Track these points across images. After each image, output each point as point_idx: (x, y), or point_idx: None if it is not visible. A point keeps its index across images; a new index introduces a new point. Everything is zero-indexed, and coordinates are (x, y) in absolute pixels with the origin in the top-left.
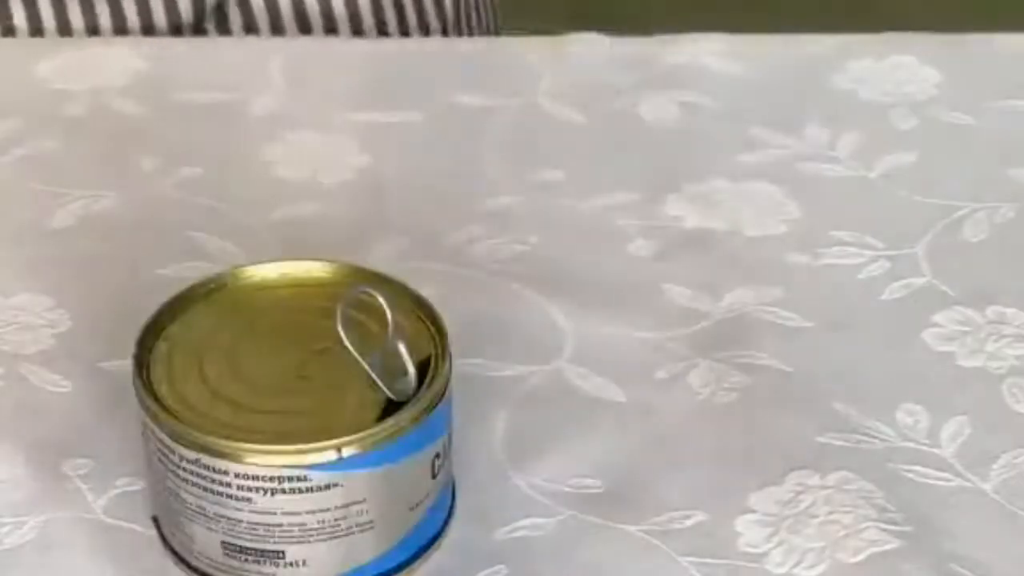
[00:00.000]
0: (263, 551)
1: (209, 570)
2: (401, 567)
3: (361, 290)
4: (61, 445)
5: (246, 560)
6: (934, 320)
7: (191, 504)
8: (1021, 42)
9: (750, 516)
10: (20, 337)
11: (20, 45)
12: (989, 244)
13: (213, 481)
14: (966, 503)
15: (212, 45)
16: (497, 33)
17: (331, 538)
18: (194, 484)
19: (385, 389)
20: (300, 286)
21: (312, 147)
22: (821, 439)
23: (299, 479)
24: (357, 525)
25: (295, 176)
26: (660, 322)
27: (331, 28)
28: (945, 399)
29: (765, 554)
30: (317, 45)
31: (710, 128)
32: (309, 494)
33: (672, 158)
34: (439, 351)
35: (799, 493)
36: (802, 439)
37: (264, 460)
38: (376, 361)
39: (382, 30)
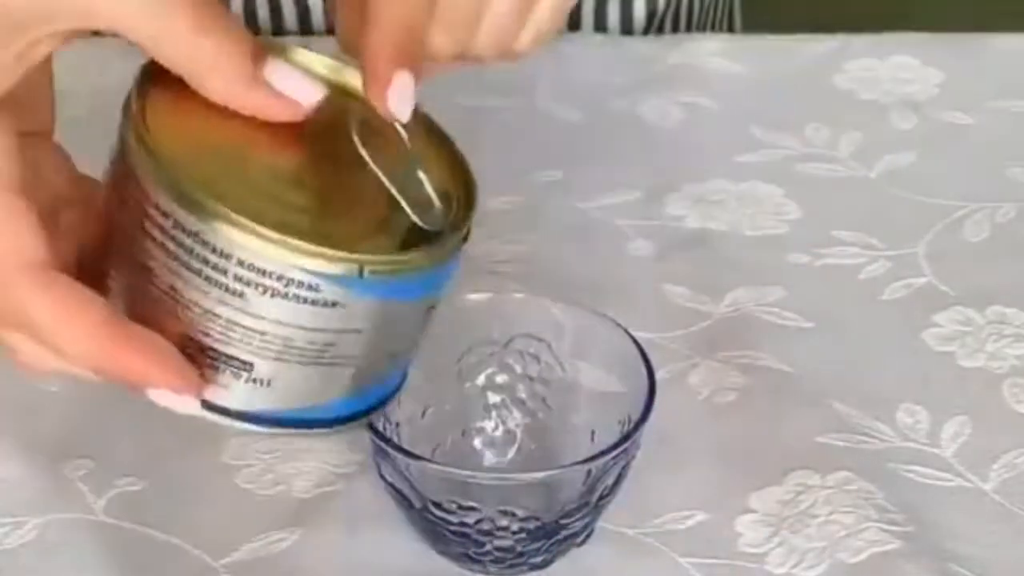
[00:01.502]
0: (230, 357)
1: None
2: (352, 418)
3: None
4: (61, 445)
5: (206, 362)
6: (934, 320)
7: (160, 282)
8: (1021, 42)
9: (750, 516)
10: None
11: None
12: (989, 244)
13: (206, 262)
14: (966, 503)
15: None
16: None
17: (310, 364)
18: (177, 259)
19: (412, 214)
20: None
21: None
22: (821, 439)
23: (309, 287)
24: (341, 358)
25: None
26: (660, 322)
27: None
28: (945, 399)
29: (765, 554)
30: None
31: (710, 128)
32: (311, 307)
33: (672, 158)
34: (463, 192)
35: (799, 493)
36: (802, 439)
37: (279, 254)
38: (398, 183)
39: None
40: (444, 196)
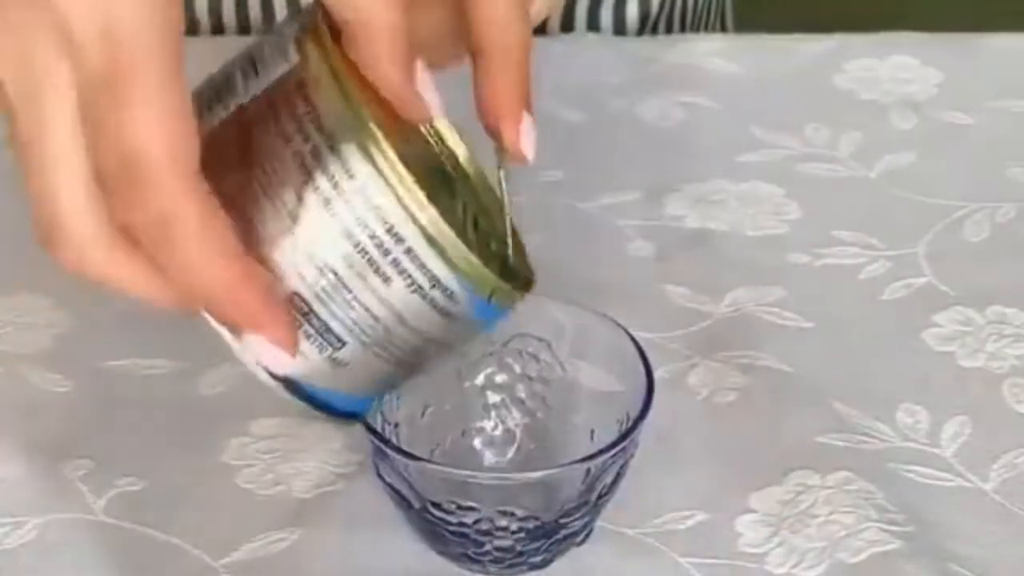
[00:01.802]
0: (328, 331)
1: None
2: (355, 416)
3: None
4: (61, 445)
5: (301, 322)
6: (934, 320)
7: (301, 231)
8: (1020, 42)
9: (750, 516)
10: (20, 337)
11: None
12: (989, 244)
13: (372, 237)
14: (966, 503)
15: (211, 44)
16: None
17: (385, 360)
18: (335, 217)
19: (511, 253)
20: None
21: None
22: (821, 439)
23: (450, 296)
24: (405, 363)
25: None
26: (660, 322)
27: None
28: (945, 399)
29: (765, 554)
30: None
31: (710, 128)
32: (436, 313)
33: (672, 158)
34: (518, 249)
35: (799, 493)
36: (802, 439)
37: (450, 259)
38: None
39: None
40: (515, 238)
